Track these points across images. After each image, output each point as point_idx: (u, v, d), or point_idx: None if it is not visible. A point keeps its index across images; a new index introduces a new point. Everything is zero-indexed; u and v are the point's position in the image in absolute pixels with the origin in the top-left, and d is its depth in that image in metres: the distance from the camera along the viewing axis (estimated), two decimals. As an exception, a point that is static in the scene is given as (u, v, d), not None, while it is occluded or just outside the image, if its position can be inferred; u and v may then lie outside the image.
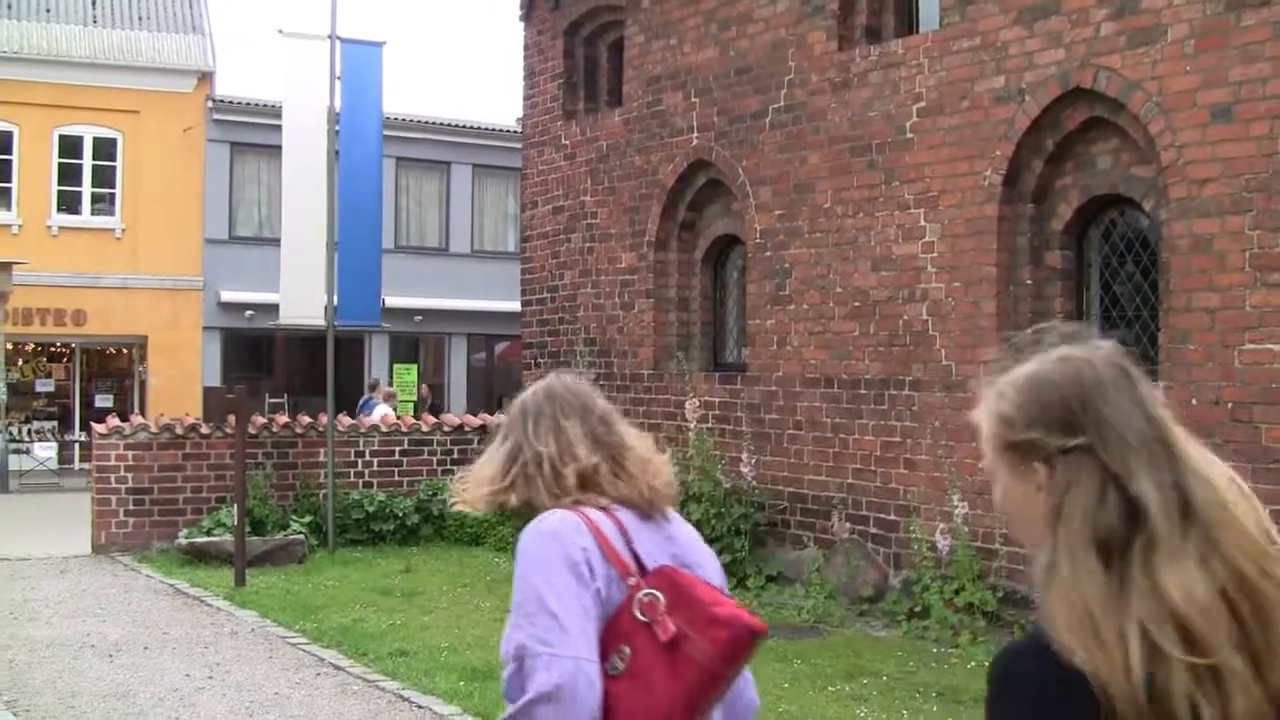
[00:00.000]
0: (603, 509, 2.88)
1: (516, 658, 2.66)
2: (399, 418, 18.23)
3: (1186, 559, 1.80)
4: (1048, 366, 2.02)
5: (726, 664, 2.68)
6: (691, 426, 13.85)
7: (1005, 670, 1.93)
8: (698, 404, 13.93)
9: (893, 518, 11.92)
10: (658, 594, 2.72)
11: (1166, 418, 1.96)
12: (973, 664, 9.86)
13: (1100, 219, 10.97)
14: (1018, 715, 1.89)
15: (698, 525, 12.94)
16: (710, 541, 11.59)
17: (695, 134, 14.38)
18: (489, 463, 3.08)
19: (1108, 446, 1.89)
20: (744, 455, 13.20)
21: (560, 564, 2.71)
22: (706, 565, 2.97)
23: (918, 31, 12.33)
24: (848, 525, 12.33)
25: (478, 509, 3.10)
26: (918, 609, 11.16)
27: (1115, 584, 1.81)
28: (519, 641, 2.66)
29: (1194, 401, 9.58)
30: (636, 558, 2.80)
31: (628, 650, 2.69)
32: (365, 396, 25.59)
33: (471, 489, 3.07)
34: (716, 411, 13.93)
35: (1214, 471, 1.95)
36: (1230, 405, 9.38)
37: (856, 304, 12.35)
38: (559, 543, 2.76)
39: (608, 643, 2.71)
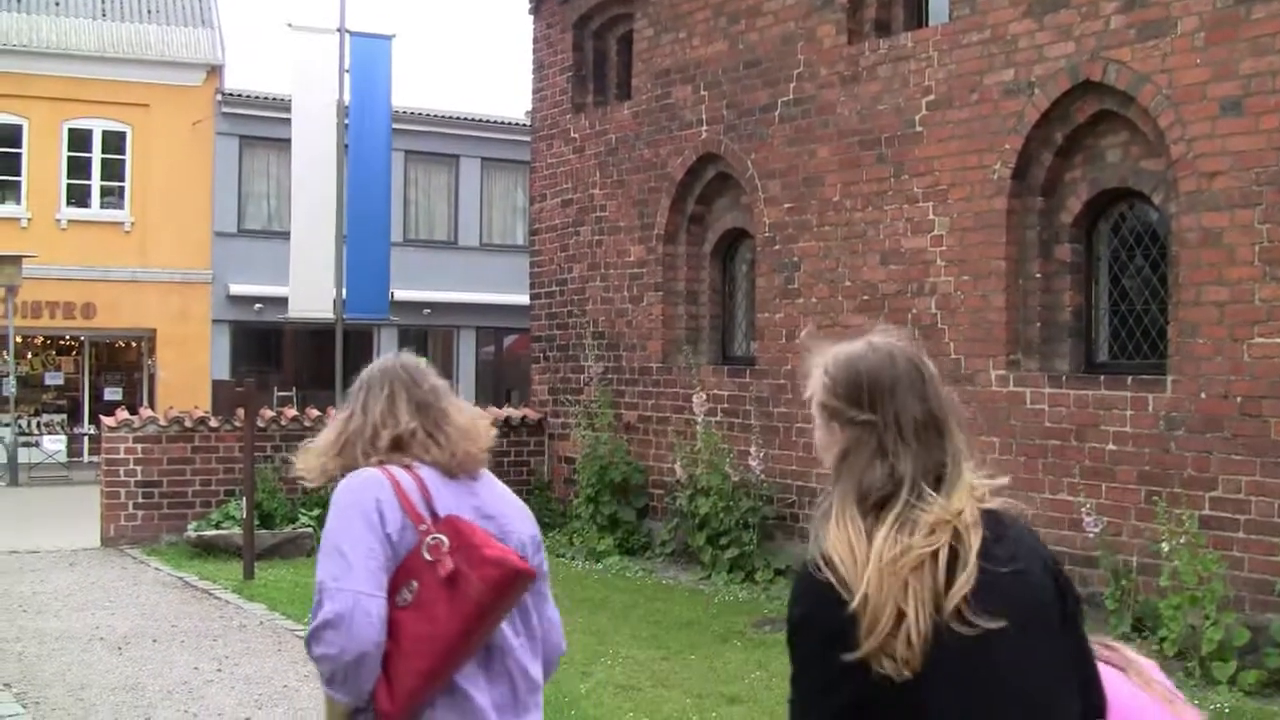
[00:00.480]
0: (406, 467, 3.27)
1: (317, 590, 3.09)
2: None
3: (925, 519, 2.36)
4: (862, 351, 2.58)
5: (496, 597, 3.10)
6: (700, 419, 13.84)
7: (795, 609, 2.44)
8: (706, 397, 13.92)
9: (901, 511, 11.89)
10: (442, 537, 3.12)
11: (945, 406, 2.49)
12: (981, 658, 9.85)
13: (1109, 212, 10.95)
14: (809, 637, 2.40)
15: (705, 518, 13.04)
16: (718, 535, 11.62)
17: (704, 127, 14.37)
18: (326, 433, 3.46)
19: (887, 428, 2.44)
20: (752, 449, 13.19)
21: (355, 513, 3.14)
22: (510, 516, 3.37)
23: (927, 25, 12.32)
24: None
25: (313, 480, 3.44)
26: (926, 603, 11.14)
27: (877, 528, 2.37)
28: (318, 577, 3.09)
29: (1203, 395, 9.57)
30: (431, 508, 3.19)
31: (416, 585, 3.10)
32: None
33: (309, 458, 3.44)
34: (725, 405, 13.92)
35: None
36: (1239, 399, 9.36)
37: (865, 297, 12.34)
38: (355, 495, 3.18)
39: (400, 579, 3.11)
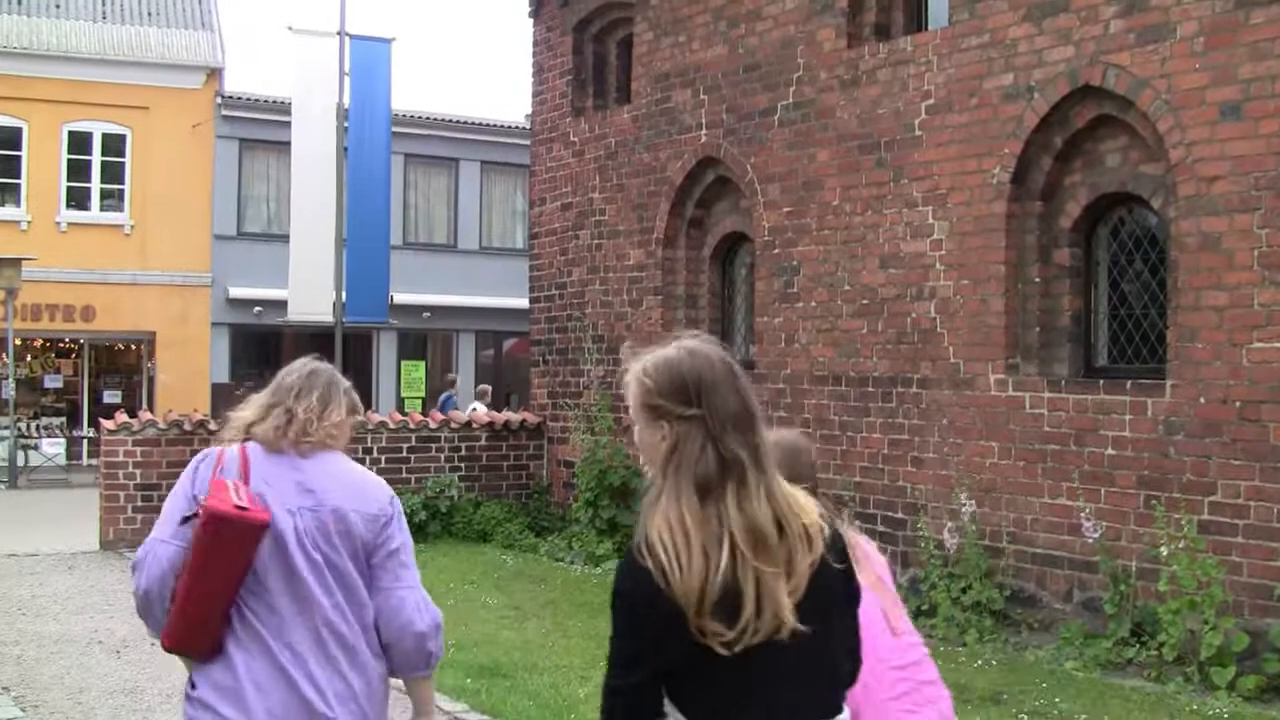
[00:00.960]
0: (240, 445, 3.83)
1: None
2: (407, 415, 18.22)
3: (761, 496, 2.72)
4: (679, 355, 2.84)
5: (211, 538, 3.55)
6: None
7: (617, 586, 2.76)
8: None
9: (900, 515, 11.91)
10: (210, 502, 3.60)
11: (754, 402, 2.83)
12: (980, 662, 9.85)
13: (1109, 217, 10.96)
14: (625, 616, 2.75)
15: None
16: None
17: (704, 131, 14.38)
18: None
19: (712, 419, 2.74)
20: (751, 452, 13.17)
21: (181, 480, 3.80)
22: (331, 491, 3.76)
23: (927, 29, 12.32)
24: (855, 523, 12.29)
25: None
26: (925, 607, 11.15)
27: (710, 511, 2.68)
28: None
29: (1202, 400, 9.57)
30: (246, 477, 3.69)
31: (194, 526, 3.62)
32: (446, 393, 25.80)
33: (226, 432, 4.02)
34: (724, 409, 13.90)
35: (776, 438, 3.04)
36: (1238, 404, 9.37)
37: (865, 301, 12.35)
38: (188, 467, 3.85)
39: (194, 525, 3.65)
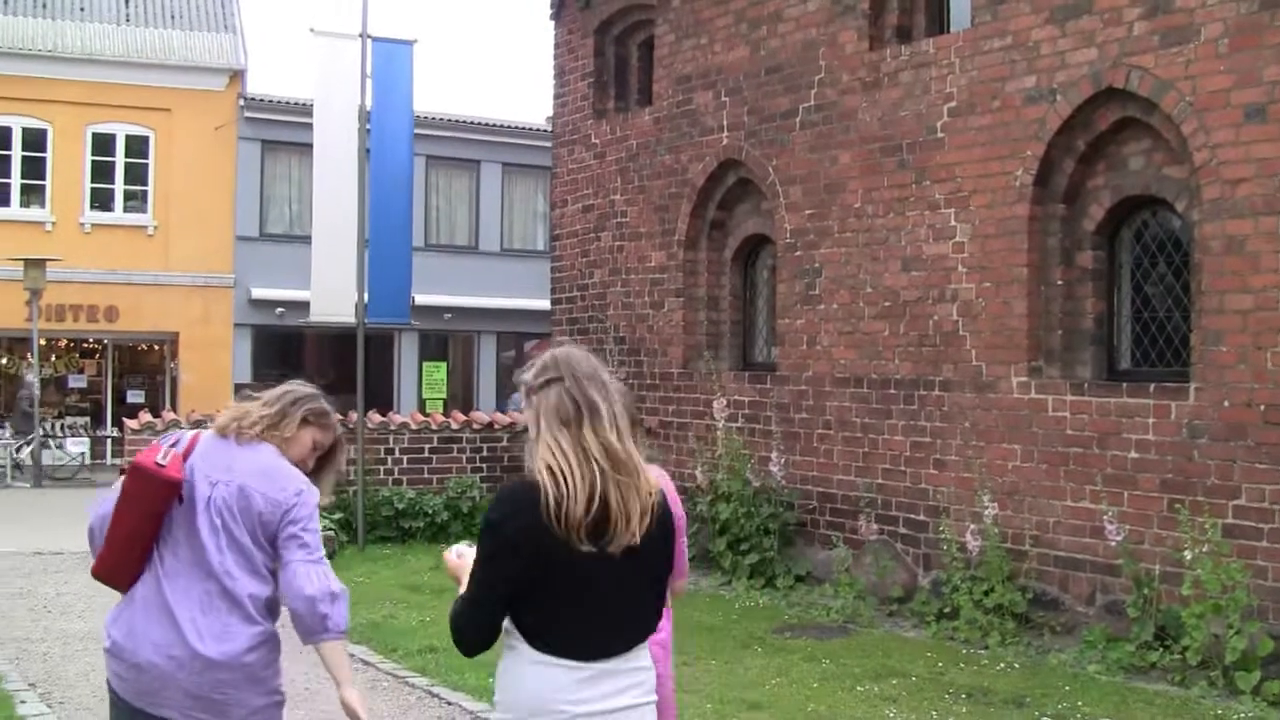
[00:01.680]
0: (195, 430, 4.53)
1: None
2: (428, 416, 18.25)
3: (612, 428, 3.49)
4: (546, 354, 3.65)
5: (131, 486, 4.26)
6: (720, 425, 13.84)
7: (489, 516, 3.51)
8: (726, 403, 13.93)
9: (922, 518, 11.90)
10: (137, 459, 4.32)
11: (605, 373, 3.61)
12: (1002, 665, 9.84)
13: (1132, 220, 10.93)
14: (503, 508, 3.52)
15: (725, 524, 13.05)
16: (739, 541, 11.64)
17: (725, 133, 14.38)
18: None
19: (571, 379, 3.53)
20: (773, 455, 13.19)
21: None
22: (244, 473, 4.35)
23: (949, 31, 12.30)
24: (877, 526, 12.31)
25: None
26: (947, 610, 11.14)
27: (573, 440, 3.45)
28: None
29: (1226, 404, 9.54)
30: (188, 451, 4.36)
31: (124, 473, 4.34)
32: (516, 393, 25.85)
33: None
34: (746, 411, 13.93)
35: (617, 389, 3.62)
36: (1263, 407, 9.33)
37: (887, 304, 12.33)
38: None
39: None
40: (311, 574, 4.28)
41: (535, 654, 3.49)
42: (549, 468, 3.42)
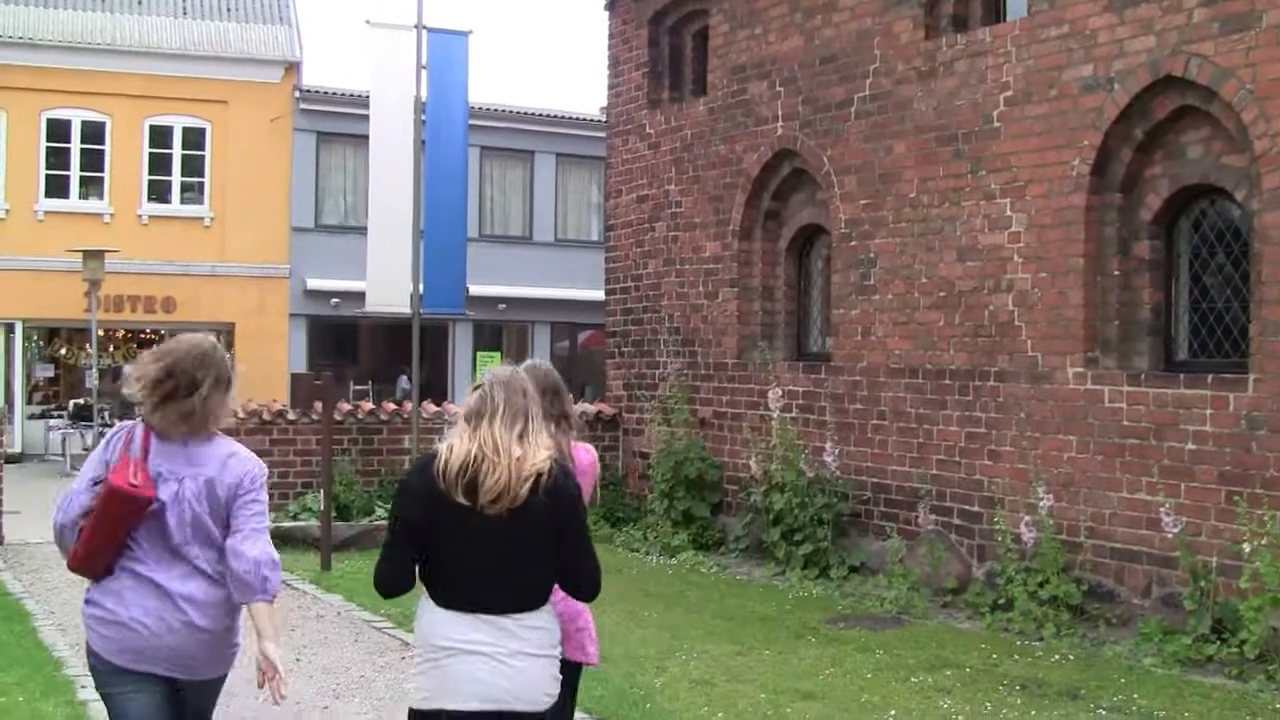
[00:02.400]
0: (143, 428, 4.87)
1: None
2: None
3: (501, 427, 4.44)
4: (492, 375, 4.65)
5: (105, 502, 4.69)
6: (775, 416, 13.83)
7: (402, 479, 4.74)
8: (781, 393, 13.91)
9: (977, 509, 11.85)
10: (110, 465, 4.76)
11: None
12: (1057, 657, 9.79)
13: (1190, 209, 10.83)
14: (412, 471, 4.66)
15: (779, 514, 13.05)
16: (793, 531, 11.63)
17: (780, 123, 14.35)
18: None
19: (490, 387, 4.59)
20: (827, 445, 13.17)
21: (100, 447, 4.92)
22: (207, 466, 4.86)
23: (1005, 20, 12.22)
24: (931, 516, 12.27)
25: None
26: (1001, 601, 11.09)
27: (471, 429, 4.46)
28: None
29: (1286, 394, 9.45)
30: (147, 452, 4.80)
31: (101, 487, 4.72)
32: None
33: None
34: (800, 401, 13.91)
35: (534, 398, 4.64)
36: (1323, 398, 9.23)
37: (942, 294, 12.28)
38: (106, 437, 4.96)
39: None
40: (258, 542, 4.83)
41: (428, 601, 4.51)
42: (448, 445, 4.47)
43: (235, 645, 5.07)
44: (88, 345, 27.25)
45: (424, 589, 4.50)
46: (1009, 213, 11.61)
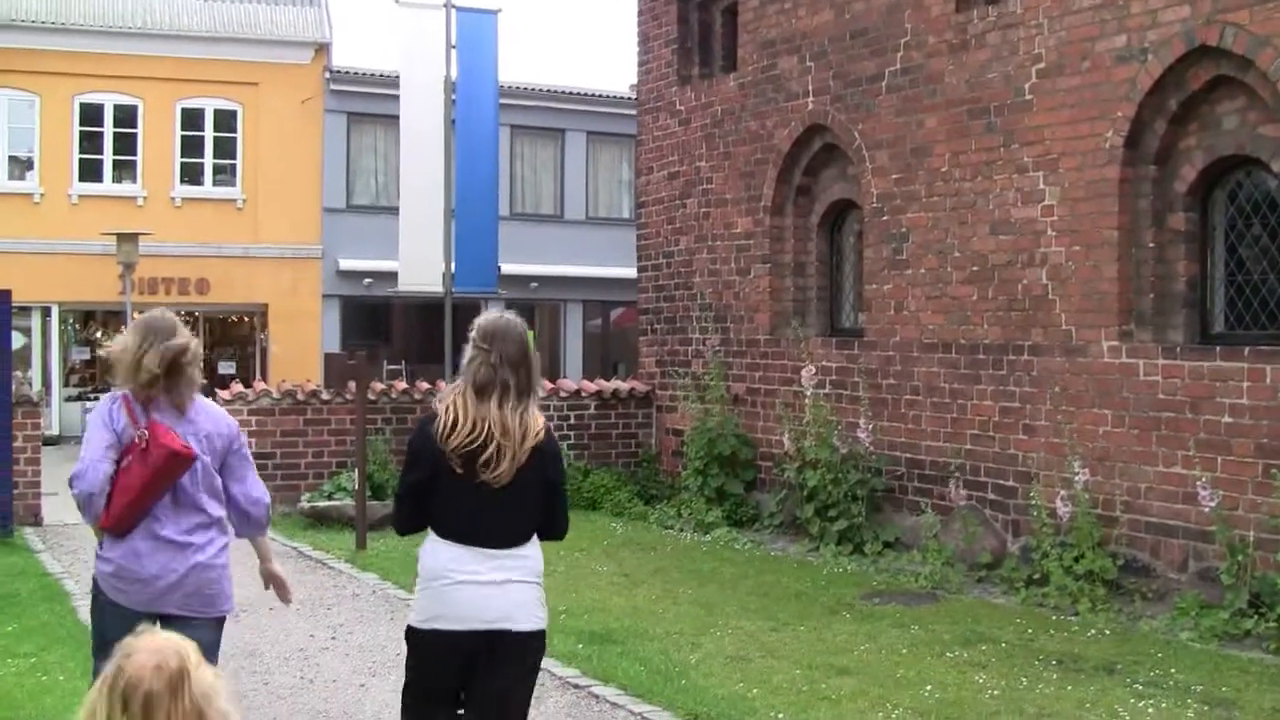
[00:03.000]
0: (119, 394, 5.44)
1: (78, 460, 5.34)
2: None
3: (512, 405, 4.95)
4: (489, 318, 5.15)
5: (164, 463, 5.28)
6: (808, 392, 13.81)
7: (410, 441, 5.19)
8: (814, 369, 13.88)
9: (1011, 484, 11.81)
10: (145, 431, 5.31)
11: (533, 359, 5.09)
12: (1092, 631, 9.76)
13: (1225, 180, 10.75)
14: (412, 450, 5.08)
15: (813, 490, 13.03)
16: (827, 507, 11.62)
17: (811, 98, 14.30)
18: (115, 351, 5.53)
19: (495, 354, 4.96)
20: (861, 421, 13.14)
21: (96, 418, 5.42)
22: (200, 424, 5.47)
23: (1037, -9, 12.13)
24: (965, 491, 12.24)
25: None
26: (1036, 576, 11.06)
27: (482, 404, 4.90)
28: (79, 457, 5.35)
29: (1323, 366, 9.38)
30: (149, 415, 5.36)
31: (129, 458, 5.29)
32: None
33: (116, 357, 5.48)
34: (833, 377, 13.88)
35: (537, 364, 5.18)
36: (1361, 369, 9.16)
37: (975, 268, 12.23)
38: (99, 406, 5.49)
39: (123, 455, 5.30)
40: (259, 485, 5.74)
41: (436, 537, 5.07)
42: (446, 412, 4.97)
43: (230, 578, 5.70)
44: (122, 328, 27.34)
45: (429, 528, 5.12)
46: (1042, 186, 11.54)
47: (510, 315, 5.21)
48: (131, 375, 5.38)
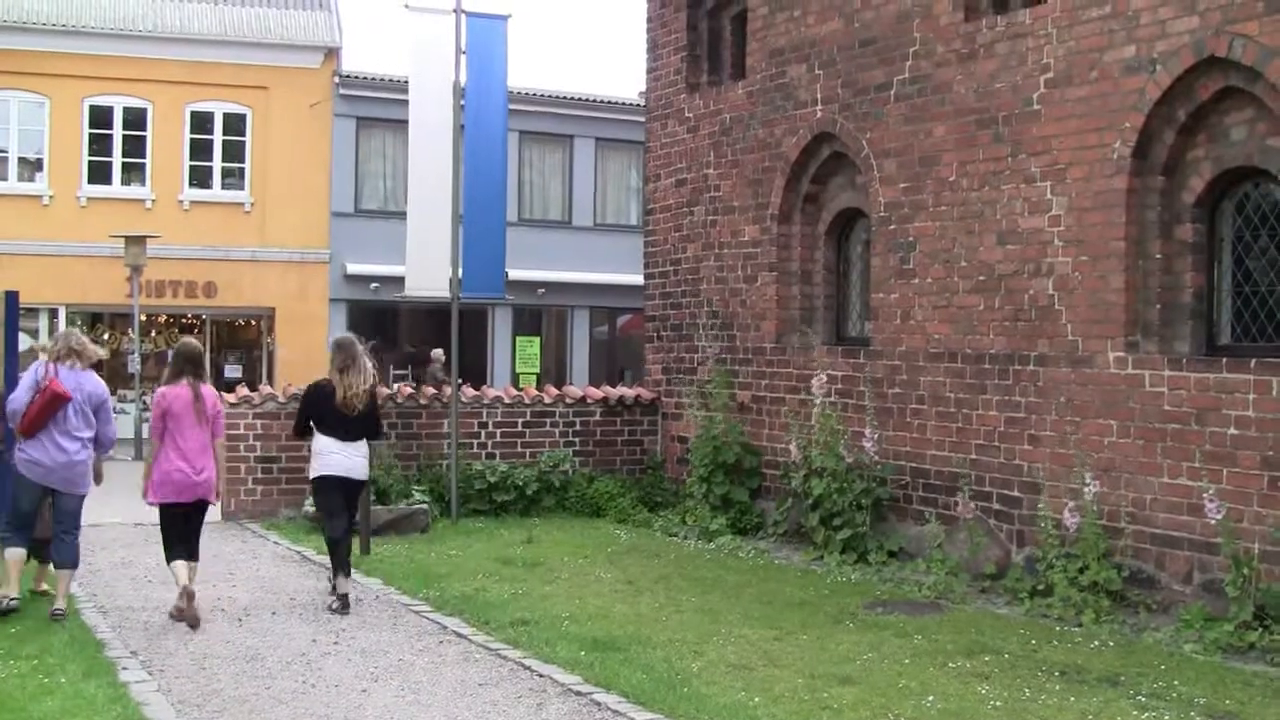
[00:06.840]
0: (52, 364, 10.18)
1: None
2: (521, 390, 18.33)
3: (354, 375, 10.93)
4: (345, 337, 11.57)
5: (49, 399, 9.95)
6: (817, 400, 13.80)
7: (304, 391, 11.64)
8: (824, 378, 13.87)
9: (1016, 494, 11.80)
10: (47, 382, 9.97)
11: (358, 350, 11.00)
12: (1096, 643, 9.74)
13: (1234, 192, 10.73)
14: (305, 398, 11.28)
15: (818, 499, 13.05)
16: (832, 516, 11.69)
17: (819, 106, 14.30)
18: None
19: (338, 354, 11.02)
20: (867, 430, 13.13)
21: (30, 373, 10.22)
22: (83, 385, 10.19)
23: (1045, 1, 12.12)
24: (971, 502, 12.22)
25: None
26: (1041, 587, 11.04)
27: (339, 375, 10.92)
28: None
29: (1330, 378, 9.35)
30: (55, 375, 10.02)
31: (35, 397, 9.97)
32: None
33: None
34: (839, 385, 13.87)
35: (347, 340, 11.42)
36: (1368, 382, 9.13)
37: (981, 278, 12.22)
38: (33, 365, 10.34)
39: (37, 393, 9.99)
40: (111, 426, 10.44)
41: (319, 434, 10.79)
42: (330, 379, 10.79)
43: (89, 476, 10.29)
44: (130, 330, 27.43)
45: (315, 430, 10.86)
46: (1049, 196, 11.53)
47: (349, 334, 11.27)
48: (53, 355, 10.18)
